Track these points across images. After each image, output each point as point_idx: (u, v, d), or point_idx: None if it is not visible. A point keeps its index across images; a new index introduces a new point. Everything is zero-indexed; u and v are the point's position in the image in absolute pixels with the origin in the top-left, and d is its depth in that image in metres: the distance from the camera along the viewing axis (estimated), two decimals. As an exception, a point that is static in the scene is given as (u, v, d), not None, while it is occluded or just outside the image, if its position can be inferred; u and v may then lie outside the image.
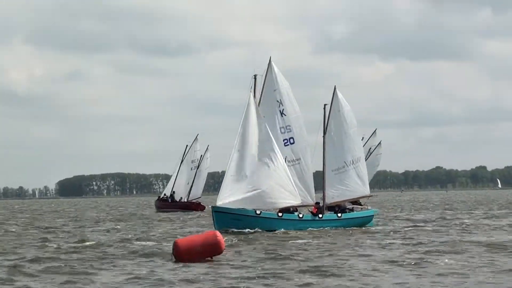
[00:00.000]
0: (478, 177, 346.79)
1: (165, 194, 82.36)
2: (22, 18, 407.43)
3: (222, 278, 20.15)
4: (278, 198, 37.26)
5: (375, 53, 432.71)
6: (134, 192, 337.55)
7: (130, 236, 34.99)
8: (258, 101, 38.69)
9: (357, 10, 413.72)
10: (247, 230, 35.95)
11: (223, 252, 24.51)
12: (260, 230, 36.21)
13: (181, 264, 22.99)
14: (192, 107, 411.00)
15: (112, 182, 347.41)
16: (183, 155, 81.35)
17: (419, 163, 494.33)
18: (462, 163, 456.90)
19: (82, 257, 25.29)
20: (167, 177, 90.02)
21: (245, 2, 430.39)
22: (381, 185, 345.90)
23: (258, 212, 36.92)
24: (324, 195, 40.39)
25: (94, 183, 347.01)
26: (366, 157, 73.78)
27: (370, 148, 75.40)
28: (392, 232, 35.54)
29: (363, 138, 74.94)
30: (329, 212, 40.36)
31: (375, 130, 76.34)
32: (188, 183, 79.98)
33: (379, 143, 76.10)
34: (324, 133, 40.75)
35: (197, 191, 79.95)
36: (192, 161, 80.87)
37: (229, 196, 36.75)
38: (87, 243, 30.92)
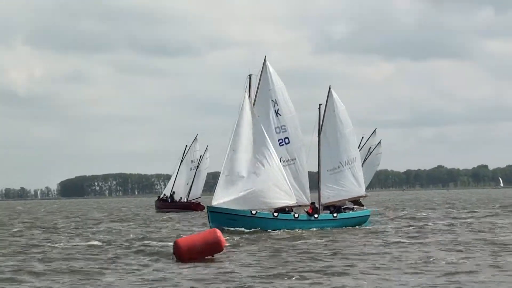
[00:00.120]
0: (480, 176, 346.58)
1: (164, 194, 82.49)
2: (22, 18, 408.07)
3: (224, 276, 20.25)
4: (273, 198, 37.26)
5: (375, 53, 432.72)
6: (136, 193, 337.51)
7: (131, 236, 35.08)
8: (253, 101, 38.70)
9: (357, 10, 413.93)
10: (241, 228, 36.05)
11: (223, 250, 24.61)
12: (258, 230, 36.29)
13: (182, 264, 23.05)
14: (192, 107, 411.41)
15: (114, 182, 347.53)
16: (182, 155, 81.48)
17: (420, 162, 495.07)
18: (464, 162, 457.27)
19: (85, 258, 25.37)
20: (168, 177, 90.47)
21: (245, 2, 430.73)
22: (382, 184, 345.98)
23: (253, 212, 36.94)
24: (319, 195, 40.40)
25: (96, 183, 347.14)
26: (366, 156, 74.17)
27: (370, 147, 75.41)
28: (396, 231, 35.66)
29: (363, 137, 75.22)
30: (324, 212, 40.37)
31: (374, 130, 76.40)
32: (187, 183, 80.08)
33: (379, 142, 76.13)
34: (319, 133, 40.76)
35: (197, 191, 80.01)
36: (192, 161, 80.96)
37: (224, 196, 36.77)
38: (89, 243, 31.01)
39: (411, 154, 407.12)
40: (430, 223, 41.32)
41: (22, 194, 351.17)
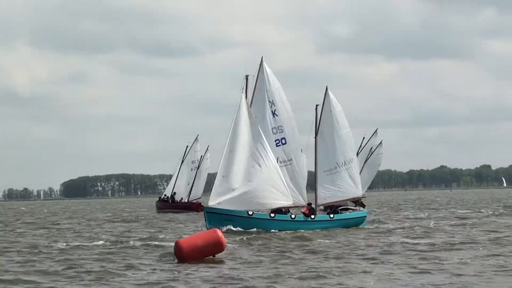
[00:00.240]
0: (483, 176, 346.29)
1: (165, 195, 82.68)
2: (23, 19, 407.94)
3: (225, 276, 20.33)
4: (270, 198, 37.22)
5: (376, 53, 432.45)
6: (139, 193, 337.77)
7: (133, 236, 35.16)
8: (250, 101, 38.67)
9: (358, 10, 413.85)
10: (236, 228, 36.09)
11: (224, 251, 24.69)
12: (258, 230, 36.35)
13: (183, 264, 23.09)
14: (192, 107, 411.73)
15: (117, 183, 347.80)
16: (183, 155, 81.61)
17: (423, 162, 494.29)
18: (467, 162, 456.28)
19: (87, 258, 25.45)
20: (171, 178, 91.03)
21: (245, 2, 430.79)
22: (385, 185, 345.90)
23: (250, 212, 36.92)
24: (316, 196, 40.36)
25: (98, 184, 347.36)
26: (367, 157, 74.10)
27: (371, 147, 75.33)
28: (400, 231, 35.73)
29: (364, 138, 75.18)
30: (322, 212, 40.34)
31: (376, 130, 76.28)
32: (188, 184, 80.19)
33: (380, 142, 76.02)
34: (316, 134, 40.71)
35: (198, 192, 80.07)
36: (193, 162, 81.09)
37: (221, 197, 36.74)
38: (93, 244, 31.08)
39: (414, 154, 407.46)
40: (434, 223, 41.41)
41: (25, 194, 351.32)
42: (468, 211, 59.92)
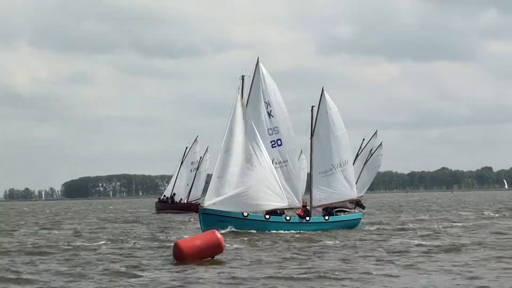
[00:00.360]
0: (484, 178, 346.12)
1: (164, 196, 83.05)
2: (24, 20, 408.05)
3: (224, 278, 20.35)
4: (265, 200, 37.13)
5: (378, 54, 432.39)
6: (140, 194, 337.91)
7: (133, 237, 35.25)
8: (245, 102, 38.57)
9: (359, 11, 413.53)
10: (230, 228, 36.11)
11: (223, 251, 24.75)
12: (256, 231, 36.34)
13: (182, 265, 23.10)
14: (193, 107, 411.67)
15: (118, 183, 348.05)
16: (182, 156, 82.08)
17: (424, 164, 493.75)
18: (468, 164, 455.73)
19: (84, 259, 25.57)
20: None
21: (246, 3, 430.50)
22: (386, 186, 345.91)
23: (245, 214, 36.85)
24: (311, 198, 40.28)
25: (100, 184, 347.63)
26: (367, 158, 74.08)
27: (371, 149, 75.33)
28: (403, 232, 35.85)
29: (364, 139, 75.18)
30: (320, 214, 40.24)
31: (375, 132, 76.32)
32: (187, 185, 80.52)
33: (380, 144, 76.04)
34: (312, 135, 40.64)
35: (197, 192, 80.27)
36: (192, 163, 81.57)
37: (216, 198, 36.67)
38: (91, 244, 31.15)
39: (415, 155, 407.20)
40: (437, 225, 41.47)
41: (26, 195, 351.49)
42: (470, 212, 59.90)
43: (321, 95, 40.96)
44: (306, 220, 38.32)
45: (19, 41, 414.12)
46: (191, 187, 79.77)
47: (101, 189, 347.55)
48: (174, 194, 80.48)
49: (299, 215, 38.64)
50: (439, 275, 20.34)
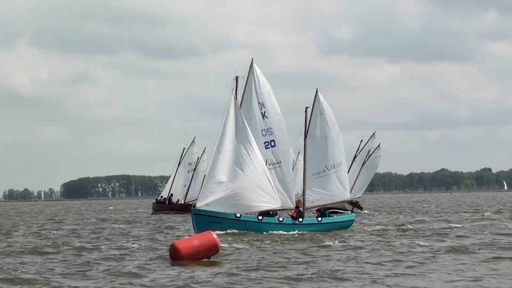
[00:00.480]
0: (483, 179, 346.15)
1: (161, 196, 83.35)
2: (26, 20, 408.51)
3: (221, 278, 20.39)
4: (258, 201, 37.02)
5: (380, 55, 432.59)
6: (139, 194, 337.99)
7: (130, 238, 35.32)
8: (239, 103, 38.49)
9: (360, 12, 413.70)
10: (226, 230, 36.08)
11: (219, 252, 24.86)
12: (253, 231, 36.35)
13: (178, 266, 23.15)
14: (194, 108, 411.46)
15: (117, 184, 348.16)
16: (180, 157, 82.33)
17: (424, 165, 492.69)
18: (467, 165, 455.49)
19: (82, 259, 25.60)
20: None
21: (247, 4, 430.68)
22: (386, 187, 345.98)
23: (238, 215, 36.78)
24: (304, 199, 40.23)
25: (99, 185, 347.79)
26: (365, 159, 74.13)
27: (369, 150, 75.40)
28: (404, 233, 35.90)
29: (362, 140, 75.25)
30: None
31: (373, 133, 76.53)
32: (185, 186, 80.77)
33: (378, 145, 76.14)
34: (305, 136, 40.59)
35: (194, 193, 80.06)
36: (189, 164, 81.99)
37: (209, 199, 36.58)
38: (89, 246, 31.15)
39: (415, 156, 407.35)
40: (438, 226, 41.54)
41: (25, 195, 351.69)
42: (470, 213, 59.88)
43: (315, 96, 40.90)
44: (299, 221, 38.25)
45: (20, 41, 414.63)
46: (189, 188, 79.96)
47: (100, 189, 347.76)
48: (172, 195, 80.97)
49: (292, 216, 38.55)
50: (440, 276, 20.41)
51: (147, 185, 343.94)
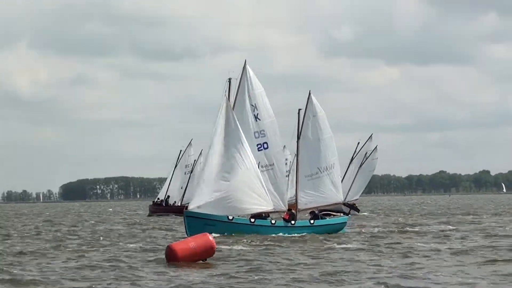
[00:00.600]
0: (482, 182, 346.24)
1: (158, 198, 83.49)
2: (26, 22, 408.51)
3: (217, 280, 20.45)
4: (250, 203, 36.94)
5: (379, 57, 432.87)
6: (138, 196, 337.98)
7: (126, 240, 35.40)
8: (232, 104, 38.42)
9: (360, 14, 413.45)
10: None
11: (215, 254, 24.93)
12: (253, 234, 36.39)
13: (174, 268, 23.18)
14: (193, 110, 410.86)
15: (116, 186, 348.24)
16: (177, 160, 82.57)
17: (422, 167, 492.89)
18: (466, 167, 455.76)
19: (80, 261, 25.68)
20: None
21: (247, 6, 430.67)
22: (384, 189, 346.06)
23: (230, 217, 36.70)
24: (296, 201, 40.18)
25: (97, 187, 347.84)
26: (362, 162, 74.08)
27: (366, 152, 75.35)
28: (405, 234, 35.99)
29: (359, 143, 75.20)
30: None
31: (371, 135, 76.43)
32: (181, 188, 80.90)
33: (375, 147, 76.07)
34: (298, 138, 40.57)
35: (191, 195, 79.99)
36: (186, 166, 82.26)
37: (201, 201, 36.52)
38: (84, 248, 31.19)
39: (413, 159, 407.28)
40: (438, 228, 41.51)
41: (24, 197, 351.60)
42: (468, 216, 59.88)
43: (308, 98, 40.88)
44: (292, 224, 38.16)
45: (19, 43, 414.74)
46: (185, 190, 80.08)
47: (99, 191, 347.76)
48: (168, 196, 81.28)
49: (284, 218, 38.47)
50: (440, 277, 20.48)
51: (145, 187, 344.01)
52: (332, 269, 22.19)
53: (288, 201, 40.05)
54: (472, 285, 19.34)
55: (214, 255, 24.88)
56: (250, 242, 32.07)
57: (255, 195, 36.95)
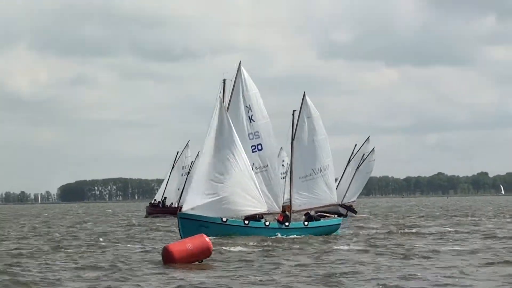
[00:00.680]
0: (480, 184, 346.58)
1: (155, 200, 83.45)
2: (26, 23, 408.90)
3: (214, 281, 20.43)
4: (244, 205, 36.81)
5: (378, 59, 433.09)
6: (136, 197, 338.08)
7: (122, 241, 35.44)
8: (226, 106, 38.31)
9: (359, 16, 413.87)
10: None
11: (212, 255, 24.97)
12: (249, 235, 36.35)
13: (171, 269, 23.21)
14: (192, 111, 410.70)
15: (114, 187, 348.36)
16: (174, 161, 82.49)
17: (420, 169, 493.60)
18: (464, 169, 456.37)
19: (78, 261, 25.71)
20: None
21: (247, 7, 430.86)
22: (382, 191, 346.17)
23: (224, 219, 36.56)
24: (290, 203, 40.10)
25: (96, 188, 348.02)
26: (359, 163, 74.04)
27: (363, 154, 75.34)
28: (405, 235, 36.02)
29: (356, 145, 75.18)
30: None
31: (368, 137, 76.45)
32: (178, 189, 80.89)
33: (373, 149, 76.09)
34: (292, 139, 40.49)
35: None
36: (183, 167, 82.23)
37: (195, 202, 36.42)
38: (80, 249, 31.11)
39: (412, 160, 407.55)
40: (436, 230, 41.54)
41: (22, 198, 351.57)
42: (467, 217, 59.85)
43: (303, 100, 40.80)
44: (286, 225, 38.05)
45: (22, 45, 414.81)
46: (182, 191, 79.92)
47: (97, 192, 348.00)
48: (165, 198, 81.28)
49: (278, 220, 38.35)
50: (440, 278, 20.49)
51: (144, 188, 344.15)
52: (331, 271, 22.16)
53: (285, 203, 39.98)
54: (470, 287, 19.33)
55: (210, 256, 24.88)
56: (247, 244, 32.02)
57: (249, 196, 36.83)
